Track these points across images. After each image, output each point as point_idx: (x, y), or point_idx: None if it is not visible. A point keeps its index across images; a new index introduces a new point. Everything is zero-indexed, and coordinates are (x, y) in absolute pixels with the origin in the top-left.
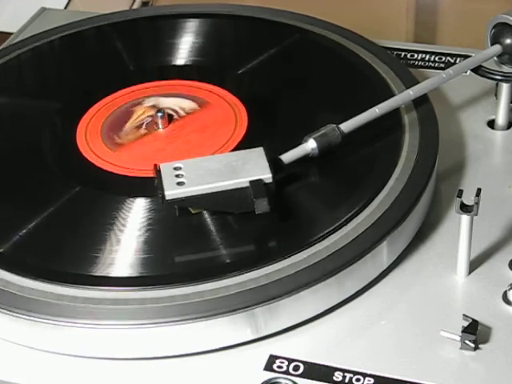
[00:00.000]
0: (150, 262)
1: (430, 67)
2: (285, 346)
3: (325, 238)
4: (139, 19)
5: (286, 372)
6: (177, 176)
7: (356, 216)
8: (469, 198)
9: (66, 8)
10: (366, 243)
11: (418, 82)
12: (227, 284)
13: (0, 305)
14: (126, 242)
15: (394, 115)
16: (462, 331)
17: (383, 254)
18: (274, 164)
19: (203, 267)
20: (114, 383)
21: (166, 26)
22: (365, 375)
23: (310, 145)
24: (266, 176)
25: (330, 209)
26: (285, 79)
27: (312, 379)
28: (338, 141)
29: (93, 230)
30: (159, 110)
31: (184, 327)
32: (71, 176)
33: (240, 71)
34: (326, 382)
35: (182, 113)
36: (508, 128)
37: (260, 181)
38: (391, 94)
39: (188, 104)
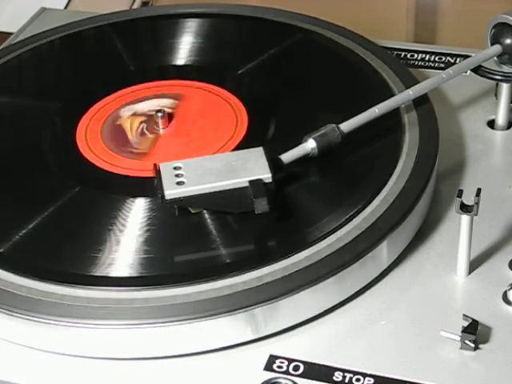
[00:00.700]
0: (149, 261)
1: (430, 67)
2: (285, 346)
3: (325, 238)
4: (139, 19)
5: (286, 372)
6: (176, 176)
7: (356, 216)
8: (469, 198)
9: (65, 8)
10: (366, 243)
11: (417, 82)
12: (227, 284)
13: (0, 305)
14: (126, 242)
15: (394, 115)
16: (462, 331)
17: (383, 253)
18: (274, 164)
19: (203, 267)
20: (113, 383)
21: (165, 26)
22: (365, 375)
23: (310, 144)
24: (266, 176)
25: (329, 208)
26: (285, 79)
27: (312, 379)
28: (337, 141)
29: (93, 229)
30: (159, 111)
31: (184, 327)
32: (71, 176)
33: (240, 71)
34: (325, 381)
35: (167, 110)
36: (508, 128)
37: (259, 180)
38: (391, 94)
39: (165, 102)
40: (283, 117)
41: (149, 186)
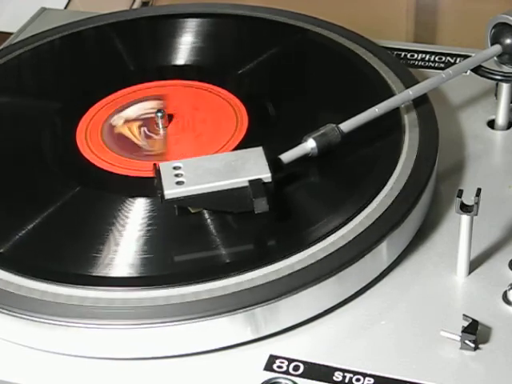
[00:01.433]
0: (149, 262)
1: (430, 67)
2: (285, 346)
3: (325, 238)
4: (139, 19)
5: (286, 372)
6: (176, 175)
7: (356, 216)
8: (469, 198)
9: (65, 8)
10: (365, 243)
11: (417, 82)
12: (227, 284)
13: (0, 305)
14: (126, 242)
15: (394, 115)
16: (462, 331)
17: (383, 253)
18: (274, 164)
19: (203, 267)
20: (113, 383)
21: (165, 26)
22: (365, 375)
23: (310, 144)
24: (265, 175)
25: (329, 208)
26: (285, 79)
27: (312, 379)
28: (337, 140)
29: (93, 229)
30: (159, 110)
31: (184, 327)
32: (71, 176)
33: (240, 71)
34: (325, 382)
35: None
36: (508, 128)
37: (259, 180)
38: (391, 94)
39: (152, 104)
40: (283, 117)
41: (149, 186)
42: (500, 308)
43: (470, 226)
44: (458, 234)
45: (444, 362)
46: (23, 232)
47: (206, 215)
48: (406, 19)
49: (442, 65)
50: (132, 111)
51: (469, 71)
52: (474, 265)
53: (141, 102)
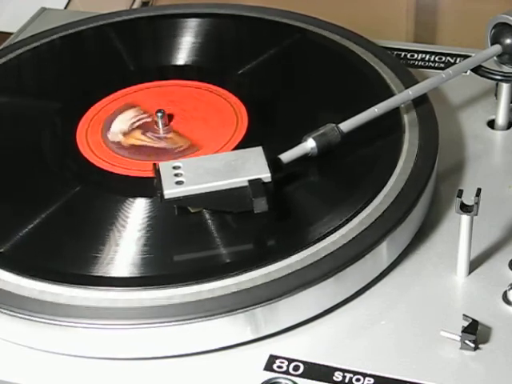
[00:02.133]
0: (149, 261)
1: (430, 67)
2: (285, 346)
3: (325, 238)
4: (139, 19)
5: (286, 372)
6: (176, 175)
7: (356, 216)
8: (469, 198)
9: (65, 8)
10: (365, 243)
11: (417, 82)
12: (227, 284)
13: (0, 305)
14: (126, 242)
15: (394, 115)
16: (462, 331)
17: (383, 253)
18: (273, 163)
19: (203, 267)
20: (113, 383)
21: (165, 26)
22: (365, 375)
23: (310, 144)
24: (265, 175)
25: (329, 208)
26: (285, 79)
27: (312, 379)
28: (337, 140)
29: (93, 229)
30: (159, 110)
31: (184, 327)
32: (71, 176)
33: (240, 71)
34: (325, 382)
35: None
36: (508, 128)
37: (259, 180)
38: (391, 94)
39: (132, 112)
40: (283, 116)
41: (149, 186)
42: (500, 308)
43: (470, 226)
44: (458, 234)
45: (444, 362)
46: (23, 232)
47: (206, 215)
48: (406, 19)
49: (442, 65)
50: (120, 125)
51: (469, 71)
52: (474, 265)
53: (118, 114)
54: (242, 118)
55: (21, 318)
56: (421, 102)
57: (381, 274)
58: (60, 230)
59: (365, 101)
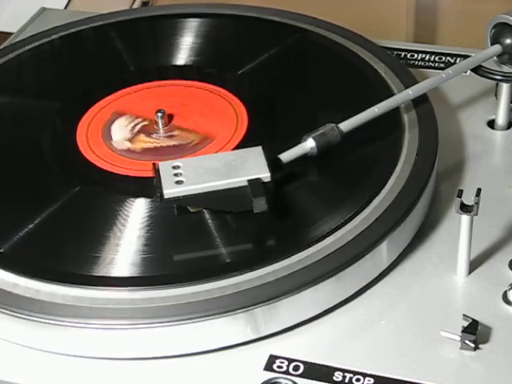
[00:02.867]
0: (149, 261)
1: (430, 67)
2: (285, 346)
3: (325, 238)
4: (139, 19)
5: (286, 372)
6: (175, 175)
7: (356, 216)
8: (469, 198)
9: (65, 8)
10: (365, 243)
11: (417, 82)
12: (227, 284)
13: (0, 305)
14: (126, 242)
15: (394, 115)
16: (462, 331)
17: (383, 253)
18: (273, 163)
19: (203, 267)
20: (113, 383)
21: (165, 26)
22: (365, 375)
23: (309, 144)
24: (265, 175)
25: (329, 208)
26: (285, 79)
27: (312, 379)
28: (337, 140)
29: (93, 229)
30: (159, 110)
31: (184, 327)
32: (71, 176)
33: (240, 71)
34: (325, 382)
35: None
36: (508, 128)
37: (258, 180)
38: (391, 94)
39: (123, 120)
40: (283, 116)
41: (149, 186)
42: (500, 308)
43: (470, 226)
44: (458, 234)
45: (444, 362)
46: (23, 232)
47: (206, 215)
48: (406, 19)
49: (442, 65)
50: (121, 133)
51: (469, 71)
52: (474, 265)
53: (111, 124)
54: (242, 118)
55: (21, 317)
56: (421, 101)
57: (381, 273)
58: (60, 229)
59: (365, 101)
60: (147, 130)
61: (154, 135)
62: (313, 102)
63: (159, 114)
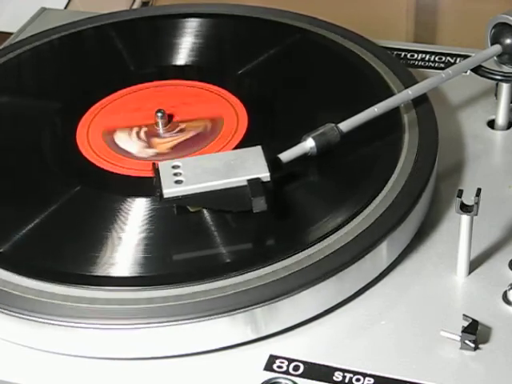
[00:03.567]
0: (149, 261)
1: (430, 67)
2: (285, 346)
3: (325, 238)
4: (139, 19)
5: (286, 372)
6: (175, 174)
7: (356, 216)
8: (469, 198)
9: (65, 8)
10: (365, 243)
11: (417, 82)
12: (227, 284)
13: (0, 305)
14: (126, 242)
15: (394, 115)
16: (462, 331)
17: (383, 253)
18: (273, 163)
19: (203, 267)
20: (113, 383)
21: (165, 26)
22: (365, 375)
23: (309, 144)
24: (264, 175)
25: (329, 208)
26: (285, 79)
27: (312, 379)
28: (336, 140)
29: (93, 229)
30: (159, 110)
31: (184, 327)
32: (71, 176)
33: (240, 71)
34: (325, 382)
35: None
36: (508, 128)
37: (258, 179)
38: (391, 94)
39: (123, 135)
40: (283, 116)
41: (149, 186)
42: (500, 308)
43: (470, 226)
44: (458, 234)
45: (444, 362)
46: (23, 232)
47: (206, 215)
48: (405, 19)
49: (442, 65)
50: (133, 145)
51: (469, 71)
52: (474, 265)
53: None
54: (242, 118)
55: (21, 317)
56: (420, 101)
57: (381, 274)
58: (60, 229)
59: (365, 101)
60: (154, 133)
61: (166, 134)
62: (313, 101)
63: (159, 114)
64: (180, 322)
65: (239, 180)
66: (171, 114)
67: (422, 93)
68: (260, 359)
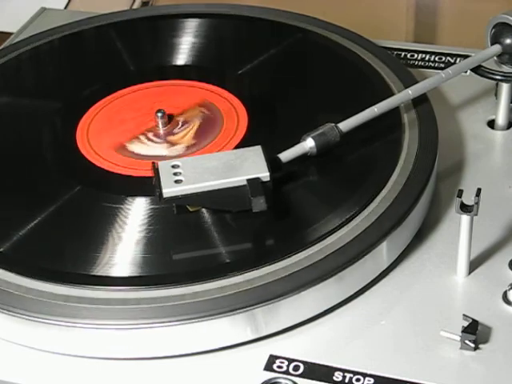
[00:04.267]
0: (149, 261)
1: (430, 67)
2: (285, 346)
3: (325, 238)
4: (139, 19)
5: (286, 372)
6: (175, 174)
7: (356, 216)
8: (469, 198)
9: (65, 8)
10: (365, 243)
11: (417, 82)
12: (227, 284)
13: (0, 305)
14: (126, 242)
15: (394, 115)
16: (462, 331)
17: (383, 253)
18: (272, 163)
19: (203, 267)
20: (113, 383)
21: (165, 26)
22: (365, 375)
23: (309, 143)
24: (264, 174)
25: (329, 208)
26: (285, 79)
27: (312, 379)
28: (336, 140)
29: (93, 229)
30: (159, 110)
31: (184, 327)
32: (71, 176)
33: (240, 71)
34: (325, 382)
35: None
36: (508, 128)
37: (257, 179)
38: (391, 94)
39: (135, 144)
40: (284, 116)
41: (149, 186)
42: (500, 308)
43: (470, 226)
44: (458, 234)
45: (444, 362)
46: (23, 232)
47: (206, 215)
48: (405, 19)
49: (442, 65)
50: (149, 148)
51: (469, 71)
52: (473, 265)
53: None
54: (243, 118)
55: (21, 317)
56: (420, 101)
57: (381, 273)
58: (60, 229)
59: (365, 101)
60: (166, 132)
61: (176, 130)
62: (313, 101)
63: (159, 114)
64: (180, 322)
65: (239, 180)
66: (171, 115)
67: (421, 93)
68: (260, 359)
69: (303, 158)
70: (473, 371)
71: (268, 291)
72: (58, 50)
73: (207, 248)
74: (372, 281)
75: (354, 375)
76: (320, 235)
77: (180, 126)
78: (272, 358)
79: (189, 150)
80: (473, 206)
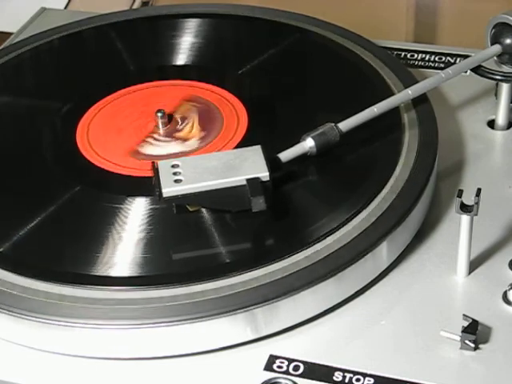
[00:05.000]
0: (149, 261)
1: (430, 67)
2: (285, 346)
3: (325, 238)
4: (139, 19)
5: (286, 372)
6: (174, 174)
7: (356, 216)
8: (469, 198)
9: (65, 8)
10: (366, 243)
11: (417, 82)
12: (227, 284)
13: (0, 305)
14: (126, 242)
15: (394, 115)
16: (462, 331)
17: (383, 253)
18: (272, 162)
19: (203, 267)
20: (113, 383)
21: (165, 26)
22: (365, 375)
23: (308, 143)
24: (263, 174)
25: (329, 208)
26: (285, 79)
27: (312, 379)
28: (336, 139)
29: (93, 229)
30: (159, 110)
31: (184, 327)
32: (71, 176)
33: (240, 71)
34: (325, 382)
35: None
36: (508, 128)
37: (257, 179)
38: (390, 94)
39: (147, 147)
40: (284, 116)
41: (149, 186)
42: (500, 308)
43: (470, 226)
44: (458, 234)
45: (444, 362)
46: (23, 232)
47: (206, 215)
48: (405, 19)
49: (442, 65)
50: (163, 147)
51: (469, 71)
52: (473, 265)
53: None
54: (242, 118)
55: (21, 317)
56: (420, 101)
57: (381, 274)
58: (60, 229)
59: (365, 101)
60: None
61: (179, 127)
62: (312, 101)
63: (159, 114)
64: (180, 322)
65: (238, 179)
66: (171, 115)
67: (421, 92)
68: (260, 359)
69: (303, 157)
70: (473, 371)
71: (268, 291)
72: (57, 49)
73: (207, 248)
74: (372, 281)
75: (354, 375)
76: (320, 235)
77: (180, 122)
78: (272, 358)
79: (203, 141)
80: (473, 206)
